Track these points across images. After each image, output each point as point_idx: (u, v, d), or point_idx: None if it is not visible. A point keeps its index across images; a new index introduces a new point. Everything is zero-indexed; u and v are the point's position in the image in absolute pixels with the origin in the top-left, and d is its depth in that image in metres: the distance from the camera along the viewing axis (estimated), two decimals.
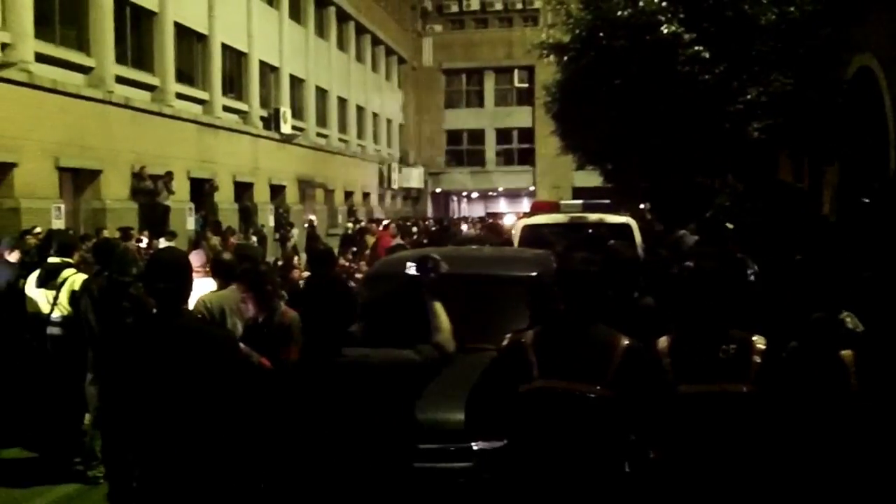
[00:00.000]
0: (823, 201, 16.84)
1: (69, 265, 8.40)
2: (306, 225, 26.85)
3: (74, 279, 8.14)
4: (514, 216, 23.10)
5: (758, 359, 4.19)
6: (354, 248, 20.83)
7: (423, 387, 4.27)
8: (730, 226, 12.28)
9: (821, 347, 4.47)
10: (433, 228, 25.04)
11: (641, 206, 24.26)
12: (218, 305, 6.82)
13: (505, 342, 4.31)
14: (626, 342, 3.94)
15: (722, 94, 14.59)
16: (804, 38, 14.32)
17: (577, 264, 4.13)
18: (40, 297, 8.16)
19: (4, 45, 16.77)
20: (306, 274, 9.57)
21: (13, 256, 10.36)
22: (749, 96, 14.47)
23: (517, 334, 4.27)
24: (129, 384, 4.06)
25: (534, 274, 7.38)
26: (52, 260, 8.50)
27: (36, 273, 8.48)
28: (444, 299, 7.25)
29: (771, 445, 4.18)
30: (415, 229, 23.92)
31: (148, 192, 21.05)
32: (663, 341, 4.31)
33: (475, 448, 5.24)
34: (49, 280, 8.23)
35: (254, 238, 21.96)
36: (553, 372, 3.89)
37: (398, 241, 18.22)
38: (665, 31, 14.45)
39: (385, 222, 27.01)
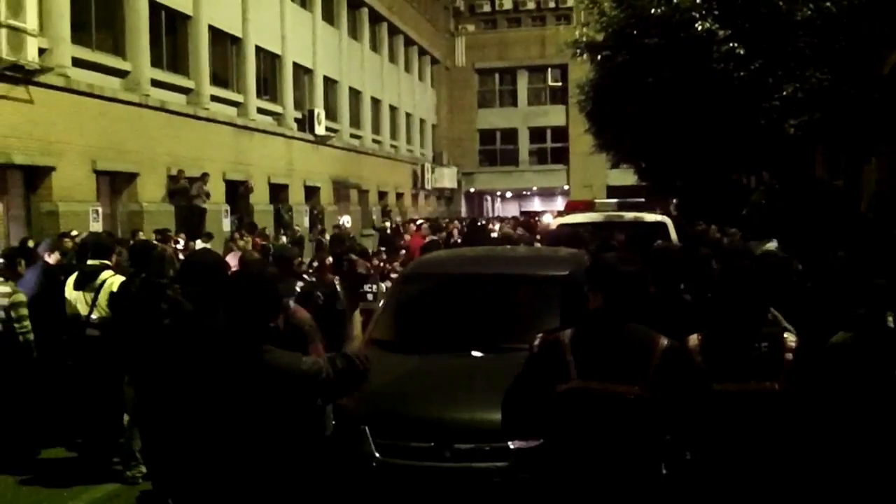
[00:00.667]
0: (861, 198, 16.66)
1: (107, 267, 8.49)
2: (335, 226, 26.91)
3: (112, 281, 8.22)
4: (551, 215, 23.01)
5: (790, 356, 4.17)
6: (383, 248, 20.89)
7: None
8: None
9: (867, 343, 4.43)
10: (464, 228, 25.01)
11: (672, 201, 24.12)
12: None
13: (536, 342, 4.30)
14: (665, 342, 3.89)
15: (757, 91, 14.45)
16: (840, 34, 14.16)
17: (616, 262, 4.07)
18: (78, 300, 8.24)
19: (42, 51, 16.96)
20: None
21: (52, 258, 10.49)
22: (785, 92, 14.33)
23: (548, 334, 4.26)
24: (163, 385, 4.11)
25: (567, 273, 7.38)
26: (89, 262, 8.60)
27: (74, 275, 8.58)
28: (479, 298, 7.31)
29: (804, 444, 4.15)
30: (443, 234, 23.86)
31: (184, 193, 21.21)
32: (694, 339, 4.28)
33: (512, 447, 5.23)
34: (87, 282, 8.32)
35: (283, 238, 22.01)
36: (590, 372, 3.85)
37: (431, 237, 18.28)
38: (699, 28, 14.35)
39: (418, 222, 27.09)
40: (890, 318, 4.87)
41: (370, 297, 8.37)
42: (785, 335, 4.28)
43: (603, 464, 3.81)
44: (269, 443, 3.91)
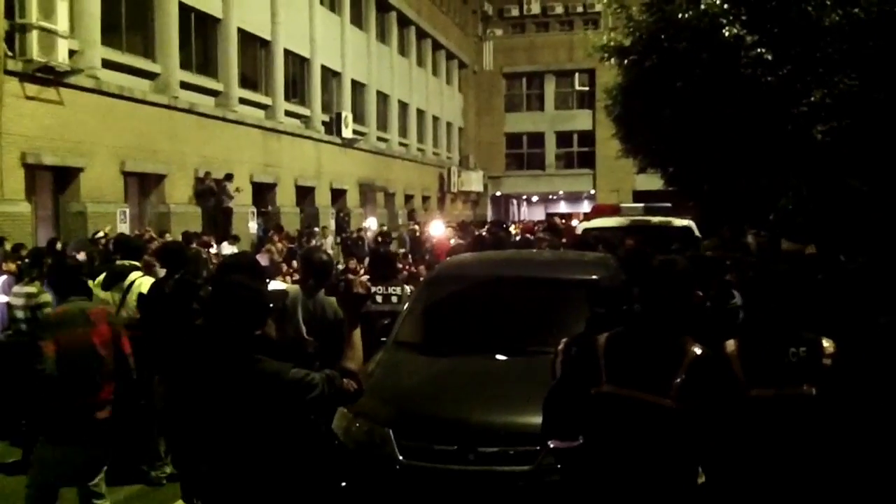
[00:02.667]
0: (892, 205, 16.50)
1: (136, 268, 8.55)
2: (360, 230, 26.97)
3: (142, 282, 8.28)
4: (577, 220, 22.91)
5: (828, 361, 4.14)
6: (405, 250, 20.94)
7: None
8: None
9: (889, 349, 4.40)
10: (485, 233, 25.04)
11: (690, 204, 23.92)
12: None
13: (560, 346, 4.30)
14: (697, 352, 3.87)
15: (786, 96, 14.35)
16: (869, 39, 14.04)
17: (658, 268, 4.06)
18: (106, 300, 8.29)
19: (72, 52, 17.14)
20: (365, 278, 9.61)
21: (80, 257, 10.59)
22: (813, 98, 14.21)
23: (572, 339, 4.26)
24: (185, 386, 4.12)
25: (594, 277, 7.37)
26: (118, 262, 8.66)
27: (102, 275, 8.64)
28: (504, 302, 7.31)
29: (842, 448, 4.12)
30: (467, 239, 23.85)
31: (211, 194, 21.35)
32: (731, 344, 4.26)
33: (551, 446, 5.22)
34: (115, 282, 8.37)
35: (314, 242, 22.11)
36: (620, 378, 3.86)
37: (457, 240, 18.28)
38: (727, 33, 14.27)
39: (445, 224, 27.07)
40: None
41: (395, 299, 8.39)
42: (823, 341, 4.24)
43: (634, 470, 3.81)
44: (265, 448, 3.90)
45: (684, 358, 3.82)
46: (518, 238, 19.81)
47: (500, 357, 6.73)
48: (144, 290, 8.19)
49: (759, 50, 14.32)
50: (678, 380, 3.77)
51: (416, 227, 29.09)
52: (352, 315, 4.32)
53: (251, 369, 3.88)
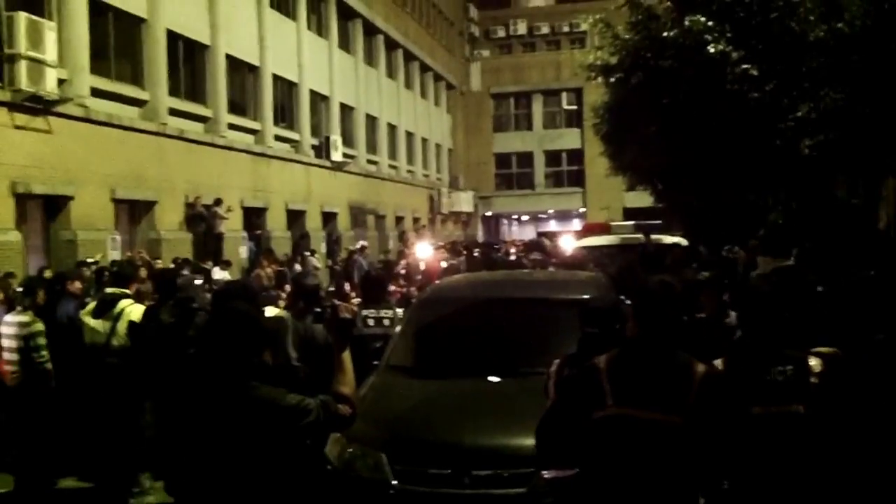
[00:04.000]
0: (879, 217, 16.60)
1: (126, 296, 8.53)
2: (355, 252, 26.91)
3: (131, 310, 8.26)
4: (570, 237, 22.91)
5: (815, 380, 4.16)
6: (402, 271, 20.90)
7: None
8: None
9: (885, 367, 4.41)
10: (475, 253, 25.00)
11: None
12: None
13: (553, 367, 4.29)
14: (703, 368, 3.85)
15: (772, 112, 14.45)
16: (853, 54, 14.15)
17: (655, 287, 4.02)
18: (97, 328, 8.28)
19: (61, 81, 17.14)
20: (357, 300, 9.62)
21: (75, 287, 10.55)
22: (799, 113, 14.33)
23: (563, 361, 4.25)
24: (181, 413, 4.12)
25: (585, 296, 7.37)
26: (108, 290, 8.64)
27: (92, 304, 8.62)
28: (497, 323, 7.31)
29: (832, 464, 4.12)
30: (457, 260, 23.84)
31: (201, 219, 21.32)
32: (719, 363, 4.27)
33: (546, 476, 5.21)
34: (105, 310, 8.35)
35: (297, 266, 22.06)
36: (628, 399, 3.80)
37: (449, 261, 18.28)
38: (712, 50, 14.38)
39: (437, 245, 27.07)
40: None
41: (387, 322, 8.39)
42: (810, 359, 4.25)
43: (640, 492, 3.76)
44: (261, 474, 3.88)
45: (693, 375, 3.80)
46: (513, 258, 19.85)
47: (492, 379, 6.72)
48: (135, 317, 8.17)
49: (744, 66, 14.43)
50: (692, 397, 3.74)
51: (409, 248, 29.05)
52: (340, 339, 4.32)
53: (247, 396, 3.88)
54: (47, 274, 14.04)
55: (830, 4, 14.48)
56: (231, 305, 4.37)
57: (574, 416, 3.95)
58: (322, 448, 5.91)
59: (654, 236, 15.31)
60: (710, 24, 14.66)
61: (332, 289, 15.47)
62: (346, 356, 4.30)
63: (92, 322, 8.33)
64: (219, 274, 18.29)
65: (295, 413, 3.93)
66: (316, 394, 4.10)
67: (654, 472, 3.75)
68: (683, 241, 15.39)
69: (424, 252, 23.01)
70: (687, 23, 14.79)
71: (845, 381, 4.31)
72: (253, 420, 3.85)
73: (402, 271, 21.68)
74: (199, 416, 3.95)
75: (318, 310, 5.43)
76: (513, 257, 19.53)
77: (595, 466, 3.92)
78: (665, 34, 15.44)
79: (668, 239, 15.13)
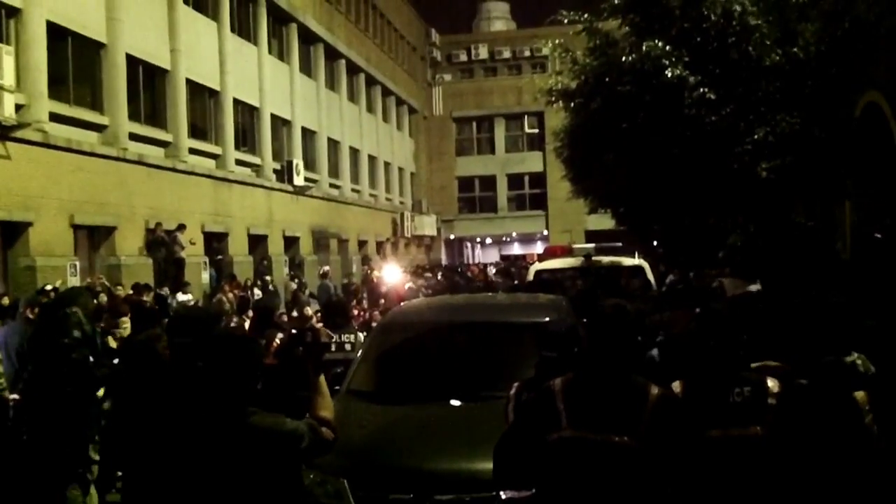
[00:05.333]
0: (836, 239, 16.82)
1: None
2: (319, 275, 26.83)
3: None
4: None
5: (773, 401, 4.19)
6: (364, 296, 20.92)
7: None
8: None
9: (833, 389, 4.44)
10: (439, 278, 25.05)
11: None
12: None
13: (512, 391, 4.30)
14: (657, 391, 3.88)
15: (729, 135, 14.61)
16: (809, 79, 14.38)
17: (609, 310, 4.05)
18: None
19: (19, 106, 17.00)
20: (320, 325, 9.58)
21: (33, 314, 10.43)
22: (757, 136, 14.49)
23: (522, 384, 4.26)
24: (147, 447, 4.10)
25: (545, 320, 7.40)
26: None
27: None
28: (457, 347, 7.32)
29: (787, 488, 4.15)
30: (421, 282, 23.92)
31: (161, 245, 21.19)
32: (677, 386, 4.29)
33: (503, 497, 5.21)
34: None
35: (258, 291, 21.98)
36: (582, 421, 3.82)
37: (410, 285, 18.33)
38: (670, 74, 14.53)
39: (398, 270, 27.11)
40: (860, 362, 4.89)
41: (348, 347, 8.37)
42: (768, 381, 4.28)
43: None
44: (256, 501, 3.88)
45: (647, 397, 3.82)
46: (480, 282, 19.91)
47: (454, 403, 6.72)
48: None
49: (702, 90, 14.58)
50: (646, 419, 3.77)
51: (371, 271, 29.07)
52: (316, 363, 4.31)
53: (246, 423, 3.86)
54: (5, 301, 13.89)
55: (786, 30, 14.71)
56: (227, 332, 4.37)
57: (530, 438, 3.96)
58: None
59: (613, 258, 15.41)
60: (667, 49, 14.82)
61: (294, 313, 15.38)
62: (323, 380, 4.29)
63: None
64: (182, 297, 18.19)
65: (293, 439, 3.93)
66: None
67: (609, 495, 3.77)
68: (644, 263, 15.50)
69: (392, 276, 22.99)
70: (645, 48, 14.93)
71: (798, 404, 4.35)
72: (252, 448, 3.83)
73: (365, 295, 21.70)
74: (192, 444, 3.92)
75: (298, 332, 5.40)
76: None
77: (551, 488, 3.93)
78: (623, 59, 15.59)
79: (628, 261, 15.22)
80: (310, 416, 4.18)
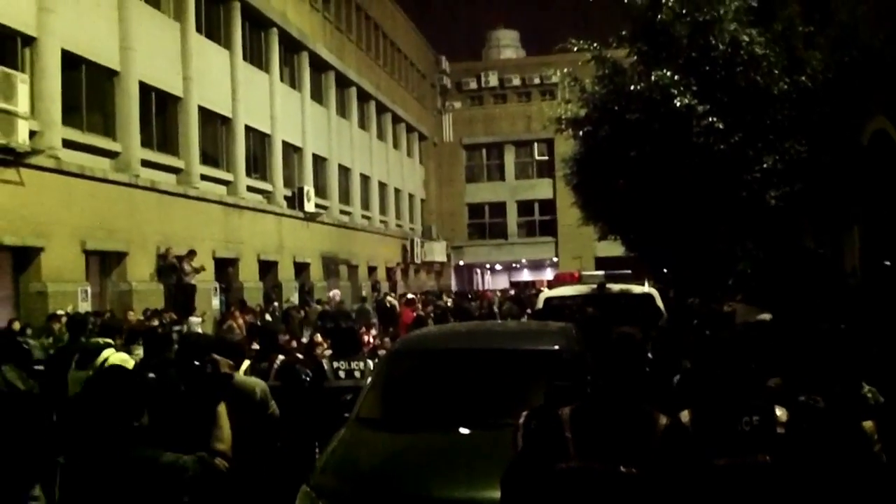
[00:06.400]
0: (845, 266, 16.80)
1: (109, 345, 8.51)
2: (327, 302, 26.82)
3: (115, 359, 8.22)
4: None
5: (781, 430, 4.19)
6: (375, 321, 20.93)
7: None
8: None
9: (842, 418, 4.45)
10: (448, 304, 25.03)
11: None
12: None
13: (521, 419, 4.31)
14: (665, 420, 3.90)
15: (738, 163, 14.64)
16: (817, 106, 14.43)
17: (617, 339, 4.08)
18: (80, 379, 8.20)
19: (33, 133, 17.14)
20: (329, 352, 9.63)
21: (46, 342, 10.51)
22: (765, 164, 14.52)
23: (533, 412, 4.28)
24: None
25: (555, 348, 7.42)
26: (93, 340, 8.61)
27: (76, 356, 8.57)
28: (467, 374, 7.33)
29: None
30: (430, 308, 23.94)
31: (172, 271, 21.26)
32: (685, 415, 4.29)
33: None
34: (88, 361, 8.30)
35: (267, 317, 22.03)
36: (591, 452, 3.84)
37: (420, 313, 18.35)
38: (678, 103, 14.57)
39: (409, 296, 27.13)
40: (870, 395, 4.90)
41: (357, 374, 8.40)
42: (776, 410, 4.29)
43: None
44: None
45: (655, 427, 3.85)
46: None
47: (462, 431, 6.73)
48: (123, 363, 8.07)
49: (710, 119, 14.62)
50: (653, 448, 3.78)
51: (391, 298, 29.07)
52: (217, 394, 4.30)
53: (125, 457, 3.89)
54: (16, 326, 13.98)
55: (793, 59, 14.78)
56: (115, 367, 4.38)
57: (538, 467, 3.97)
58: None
59: (623, 286, 15.38)
60: (675, 77, 14.87)
61: (303, 339, 15.41)
62: (222, 410, 4.26)
63: (75, 375, 8.25)
64: (195, 321, 18.29)
65: (172, 471, 3.94)
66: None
67: None
68: (653, 291, 15.47)
69: (409, 304, 22.90)
70: (653, 77, 14.99)
71: (806, 433, 4.36)
72: (133, 480, 3.85)
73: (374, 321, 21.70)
74: (80, 474, 3.95)
75: (198, 363, 5.27)
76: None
77: None
78: (632, 87, 15.65)
79: (637, 289, 15.20)
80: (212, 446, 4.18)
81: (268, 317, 21.72)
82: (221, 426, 4.22)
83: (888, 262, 14.33)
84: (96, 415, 4.00)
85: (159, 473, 3.92)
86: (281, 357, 9.19)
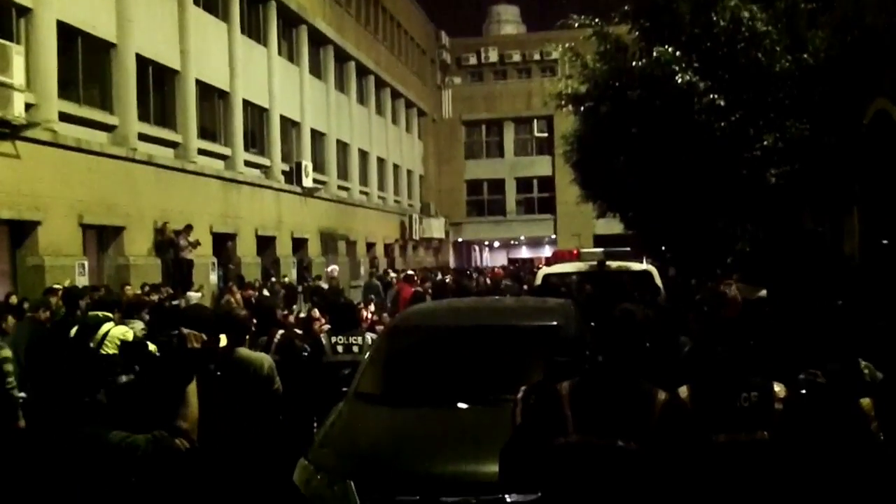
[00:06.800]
0: (845, 246, 16.79)
1: (108, 319, 8.49)
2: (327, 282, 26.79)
3: (116, 331, 8.21)
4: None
5: (779, 406, 4.19)
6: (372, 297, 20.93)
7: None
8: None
9: (839, 395, 4.46)
10: (447, 280, 25.01)
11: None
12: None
13: (519, 394, 4.31)
14: (664, 396, 3.90)
15: (738, 141, 14.58)
16: (818, 85, 14.36)
17: (617, 315, 4.07)
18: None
19: (29, 106, 17.05)
20: (327, 327, 9.62)
21: (44, 315, 10.49)
22: (765, 143, 14.46)
23: (530, 388, 4.27)
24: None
25: (553, 324, 7.41)
26: (91, 314, 8.60)
27: (74, 329, 8.55)
28: (466, 350, 7.33)
29: (793, 492, 4.15)
30: (427, 284, 23.94)
31: (170, 246, 21.23)
32: (684, 391, 4.30)
33: (509, 500, 5.20)
34: (88, 335, 8.28)
35: (265, 292, 22.03)
36: (589, 427, 3.84)
37: (417, 289, 18.33)
38: (679, 80, 14.49)
39: (408, 272, 27.15)
40: (867, 371, 4.89)
41: (356, 349, 8.39)
42: (775, 386, 4.29)
43: None
44: None
45: (654, 403, 3.84)
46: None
47: (461, 406, 6.73)
48: (125, 337, 8.04)
49: (711, 96, 14.54)
50: (652, 425, 3.78)
51: (394, 275, 29.05)
52: (186, 371, 4.20)
53: (75, 436, 3.85)
54: (13, 300, 13.96)
55: (795, 37, 14.68)
56: (63, 344, 4.32)
57: (536, 442, 3.98)
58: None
59: (621, 263, 15.38)
60: (677, 54, 14.79)
61: (302, 315, 15.39)
62: (192, 389, 4.16)
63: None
64: (194, 297, 18.27)
65: (120, 450, 3.88)
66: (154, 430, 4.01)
67: (614, 499, 3.79)
68: (652, 269, 15.47)
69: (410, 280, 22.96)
70: (654, 54, 14.90)
71: (804, 409, 4.36)
72: (82, 458, 3.81)
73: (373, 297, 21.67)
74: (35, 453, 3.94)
75: (164, 338, 5.12)
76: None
77: (556, 492, 3.94)
78: (633, 64, 15.56)
79: (636, 266, 15.20)
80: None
81: (265, 292, 21.68)
82: (188, 404, 4.12)
83: (886, 242, 14.34)
84: (48, 390, 3.96)
85: (107, 451, 3.86)
86: (281, 332, 9.20)
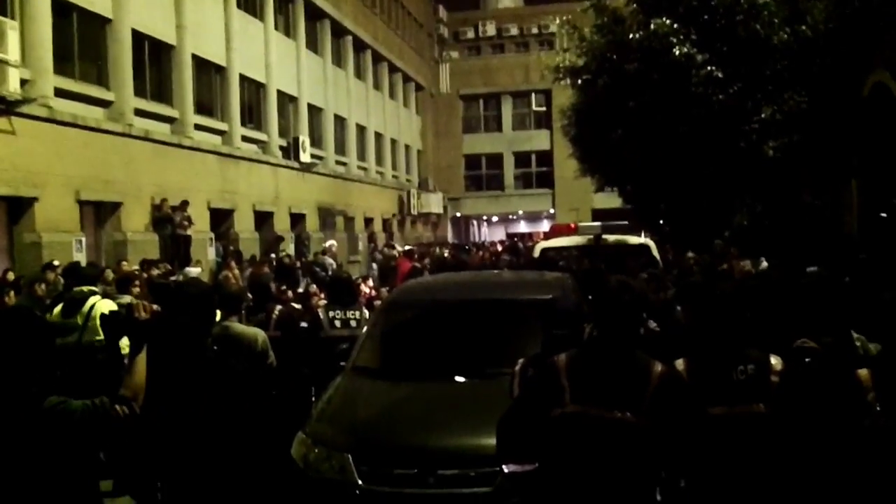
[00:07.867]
0: (844, 219, 16.80)
1: (94, 293, 8.49)
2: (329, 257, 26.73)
3: (101, 304, 8.21)
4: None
5: (776, 379, 4.20)
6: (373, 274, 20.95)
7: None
8: None
9: (835, 367, 4.46)
10: (445, 255, 24.98)
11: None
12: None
13: (517, 367, 4.31)
14: (661, 368, 3.90)
15: (737, 114, 14.59)
16: (817, 57, 14.32)
17: (614, 288, 4.07)
18: (67, 325, 8.16)
19: (24, 81, 16.96)
20: (323, 302, 9.63)
21: (41, 290, 10.48)
22: (763, 115, 14.47)
23: (528, 361, 4.28)
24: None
25: (550, 297, 7.41)
26: (76, 289, 8.59)
27: (59, 306, 8.55)
28: (463, 324, 7.33)
29: (790, 464, 4.17)
30: (426, 259, 23.94)
31: (168, 222, 21.19)
32: (680, 363, 4.30)
33: (505, 471, 5.22)
34: (75, 309, 8.29)
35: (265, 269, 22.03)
36: (586, 398, 3.85)
37: (415, 264, 18.35)
38: (677, 52, 14.47)
39: (406, 248, 27.12)
40: (859, 344, 4.89)
41: (354, 324, 8.39)
42: (771, 358, 4.30)
43: (597, 490, 3.80)
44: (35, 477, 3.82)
45: (651, 375, 3.84)
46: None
47: (458, 379, 6.75)
48: (106, 311, 8.05)
49: (709, 69, 14.55)
50: (648, 396, 3.79)
51: (395, 251, 29.03)
52: (136, 342, 4.18)
53: (14, 403, 3.81)
54: (10, 276, 13.96)
55: (794, 9, 14.65)
56: (10, 309, 4.27)
57: (534, 413, 3.99)
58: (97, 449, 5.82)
59: (619, 237, 15.37)
60: (675, 27, 14.76)
61: (300, 290, 15.39)
62: (141, 360, 4.14)
63: (62, 320, 8.24)
64: (194, 271, 18.28)
65: (54, 414, 3.85)
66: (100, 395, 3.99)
67: (611, 469, 3.80)
68: (650, 242, 15.47)
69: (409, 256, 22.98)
70: (652, 26, 14.88)
71: (800, 381, 4.37)
72: (19, 424, 3.79)
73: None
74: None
75: (114, 309, 5.05)
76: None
77: (554, 463, 3.96)
78: (631, 37, 15.53)
79: (633, 240, 15.19)
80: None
81: (265, 268, 21.68)
82: (133, 373, 4.09)
83: (884, 215, 14.34)
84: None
85: (41, 415, 3.81)
86: (279, 307, 9.20)
